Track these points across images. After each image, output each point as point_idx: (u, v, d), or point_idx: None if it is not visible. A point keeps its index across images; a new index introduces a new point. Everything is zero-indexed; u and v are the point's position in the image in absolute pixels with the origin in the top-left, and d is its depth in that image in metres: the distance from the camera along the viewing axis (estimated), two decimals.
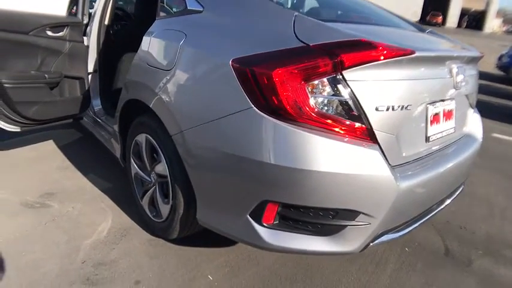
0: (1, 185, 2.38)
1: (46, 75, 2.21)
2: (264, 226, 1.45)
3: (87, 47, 2.45)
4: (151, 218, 1.98)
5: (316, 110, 1.33)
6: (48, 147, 2.98)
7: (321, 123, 1.33)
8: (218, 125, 1.44)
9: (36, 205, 2.20)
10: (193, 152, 1.55)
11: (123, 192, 2.36)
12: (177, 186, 1.71)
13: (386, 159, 1.41)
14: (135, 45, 1.95)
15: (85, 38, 2.43)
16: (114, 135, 2.30)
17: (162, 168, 1.80)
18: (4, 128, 2.20)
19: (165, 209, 1.85)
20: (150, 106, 1.73)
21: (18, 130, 2.27)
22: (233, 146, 1.41)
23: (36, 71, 2.19)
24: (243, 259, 1.89)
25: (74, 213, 2.15)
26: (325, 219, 1.42)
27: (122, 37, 2.77)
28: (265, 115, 1.34)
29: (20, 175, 2.53)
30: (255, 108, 1.35)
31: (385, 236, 1.57)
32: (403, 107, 1.45)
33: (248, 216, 1.46)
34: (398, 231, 1.63)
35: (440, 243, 2.23)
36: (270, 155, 1.34)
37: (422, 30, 2.21)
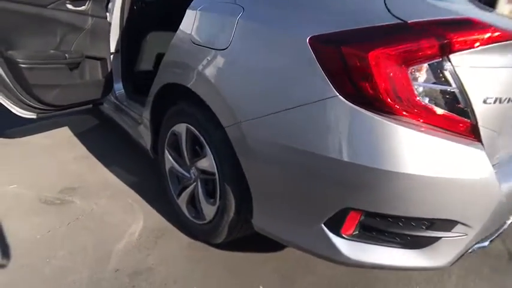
0: (15, 178, 2.14)
1: (66, 55, 1.95)
2: (343, 237, 1.23)
3: (110, 24, 2.18)
4: (191, 218, 1.75)
5: (417, 100, 1.09)
6: (64, 134, 2.73)
7: (422, 117, 1.10)
8: (288, 116, 1.20)
9: (56, 201, 1.96)
10: (253, 148, 1.31)
11: (152, 187, 2.13)
12: (227, 185, 1.48)
13: (489, 160, 1.18)
14: (162, 23, 1.70)
15: (107, 14, 2.15)
16: (142, 122, 2.05)
17: (207, 164, 1.56)
18: (19, 114, 1.95)
19: (209, 210, 1.62)
20: (196, 92, 1.48)
21: (34, 117, 2.02)
22: (308, 143, 1.17)
23: (55, 50, 1.92)
24: (295, 265, 1.67)
25: (98, 211, 1.92)
26: (417, 230, 1.20)
27: (147, 14, 2.49)
28: (353, 105, 1.09)
29: (36, 166, 2.28)
30: (340, 97, 1.10)
31: (476, 245, 1.35)
32: (509, 99, 1.21)
33: (323, 225, 1.24)
34: (486, 239, 1.41)
35: (502, 247, 2.02)
36: (359, 155, 1.10)
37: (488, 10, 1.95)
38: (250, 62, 1.31)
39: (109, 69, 2.19)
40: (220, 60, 1.39)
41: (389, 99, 1.07)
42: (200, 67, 1.47)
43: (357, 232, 1.23)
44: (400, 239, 1.22)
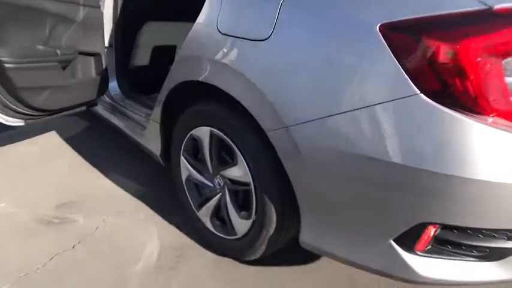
0: (1, 195, 1.87)
1: (58, 51, 1.68)
2: (416, 254, 1.08)
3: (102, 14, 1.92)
4: (217, 233, 1.56)
5: None
6: (52, 140, 2.44)
7: None
8: (351, 119, 1.02)
9: (55, 221, 1.71)
10: (304, 155, 1.12)
11: (163, 199, 1.91)
12: (267, 197, 1.29)
13: None
14: (161, 11, 1.48)
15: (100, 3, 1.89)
16: (149, 125, 1.82)
17: (239, 173, 1.37)
18: (4, 122, 1.67)
19: (242, 225, 1.43)
20: (229, 92, 1.27)
21: (22, 124, 1.74)
22: (378, 149, 1.00)
23: (44, 46, 1.65)
24: (335, 278, 1.51)
25: (106, 230, 1.68)
26: (499, 242, 1.06)
27: (143, 1, 2.22)
28: (437, 105, 0.93)
29: (24, 179, 2.01)
30: (421, 95, 0.93)
31: None
32: None
33: (392, 241, 1.08)
34: None
35: None
36: (443, 162, 0.94)
37: None
38: (299, 54, 1.12)
39: (104, 66, 1.93)
40: (260, 53, 1.18)
41: (481, 98, 0.91)
42: (232, 62, 1.26)
43: (430, 247, 1.09)
44: (477, 252, 1.08)
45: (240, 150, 1.33)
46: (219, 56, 1.31)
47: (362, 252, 1.16)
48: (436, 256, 1.09)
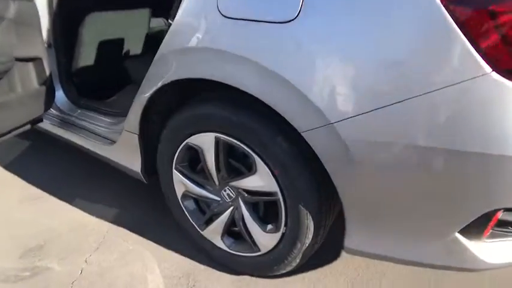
0: None
1: None
2: (483, 241, 1.01)
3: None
4: (231, 252, 1.36)
5: None
6: None
7: None
8: (411, 107, 0.88)
9: (24, 274, 1.36)
10: (355, 153, 0.96)
11: (150, 220, 1.64)
12: (302, 206, 1.13)
13: None
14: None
15: None
16: (121, 138, 1.52)
17: (260, 182, 1.17)
18: None
19: (267, 239, 1.25)
20: (247, 90, 1.06)
21: None
22: (448, 138, 0.88)
23: None
24: (366, 274, 1.41)
25: (94, 271, 1.39)
26: None
27: None
28: None
29: None
30: (493, 74, 0.83)
31: None
32: None
33: (457, 234, 1.00)
34: None
35: None
36: None
37: None
38: (338, 36, 0.93)
39: (47, 72, 1.56)
40: (285, 39, 0.97)
41: None
42: (246, 51, 1.03)
43: (491, 231, 1.02)
44: None
45: (260, 157, 1.14)
46: (226, 45, 1.07)
47: (421, 250, 1.06)
48: (496, 239, 1.04)
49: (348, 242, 1.12)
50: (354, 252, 1.14)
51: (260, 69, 1.01)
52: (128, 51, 2.12)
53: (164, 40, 1.23)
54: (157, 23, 2.41)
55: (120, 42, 2.03)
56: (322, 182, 1.10)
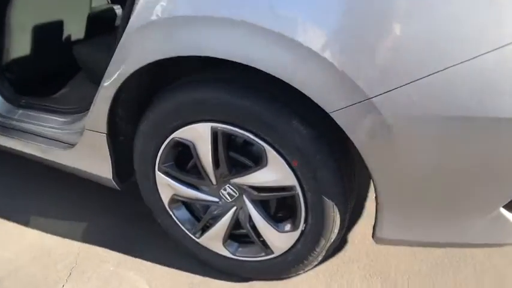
0: None
1: None
2: None
3: None
4: (238, 258, 1.17)
5: None
6: None
7: None
8: (460, 73, 0.75)
9: None
10: (397, 129, 0.82)
11: (127, 234, 1.39)
12: (327, 198, 0.97)
13: None
14: None
15: None
16: (81, 139, 1.25)
17: (272, 176, 0.99)
18: None
19: (282, 240, 1.08)
20: (259, 67, 0.85)
21: None
22: (494, 105, 0.76)
23: None
24: (380, 262, 1.31)
25: None
26: None
27: None
28: None
29: None
30: None
31: None
32: None
33: (502, 209, 0.91)
34: None
35: None
36: None
37: None
38: None
39: None
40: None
41: None
42: (252, 17, 0.83)
43: None
44: None
45: (273, 146, 0.95)
46: (227, 12, 0.86)
47: (461, 230, 0.96)
48: None
49: (380, 232, 0.98)
50: (385, 242, 1.02)
51: (273, 34, 0.81)
52: (69, 36, 1.78)
53: (134, 14, 0.98)
54: (100, 1, 2.09)
55: (58, 25, 1.69)
56: (349, 168, 0.95)
